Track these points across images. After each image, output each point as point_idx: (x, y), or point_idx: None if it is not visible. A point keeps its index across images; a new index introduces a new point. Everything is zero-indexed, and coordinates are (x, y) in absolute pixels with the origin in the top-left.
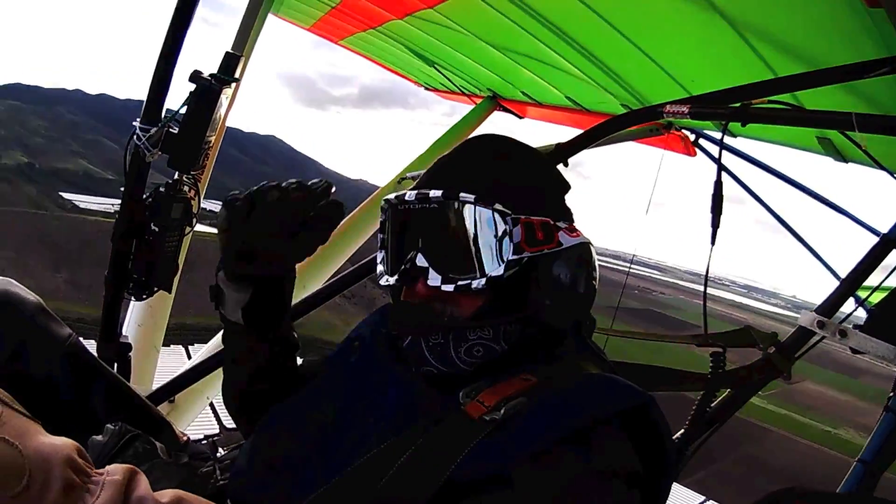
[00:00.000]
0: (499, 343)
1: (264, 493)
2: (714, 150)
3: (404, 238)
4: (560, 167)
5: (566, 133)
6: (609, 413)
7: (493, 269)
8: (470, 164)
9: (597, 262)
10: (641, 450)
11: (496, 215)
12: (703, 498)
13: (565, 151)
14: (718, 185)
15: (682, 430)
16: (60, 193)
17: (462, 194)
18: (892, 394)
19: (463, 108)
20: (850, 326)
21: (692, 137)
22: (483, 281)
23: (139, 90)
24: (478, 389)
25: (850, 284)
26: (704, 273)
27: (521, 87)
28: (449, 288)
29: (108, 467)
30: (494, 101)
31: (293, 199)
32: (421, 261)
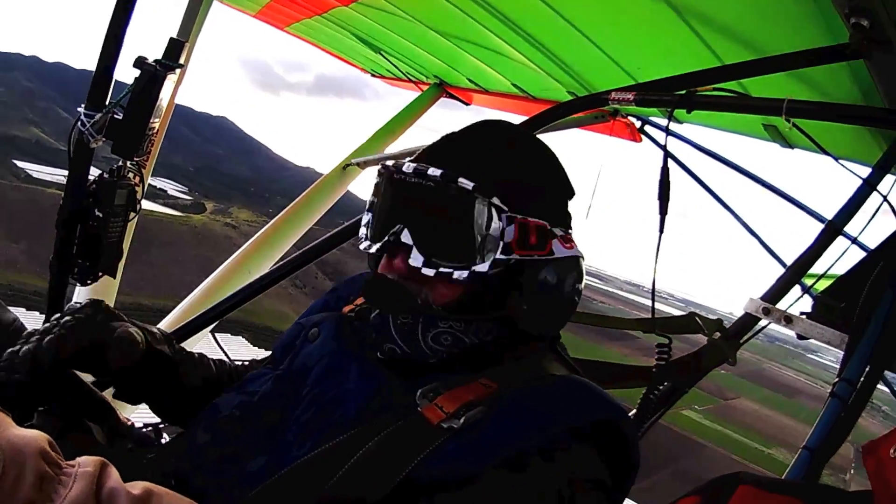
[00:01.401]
0: (468, 336)
1: (211, 482)
2: (659, 136)
3: (394, 209)
4: None
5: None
6: (579, 422)
7: (479, 264)
8: (477, 149)
9: (584, 278)
10: (609, 460)
11: (493, 210)
12: None
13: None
14: (665, 171)
15: (631, 415)
16: (14, 161)
17: (461, 179)
18: (837, 379)
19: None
20: (797, 313)
21: (638, 124)
22: (466, 274)
23: (94, 62)
24: (436, 391)
25: (796, 271)
26: (651, 274)
27: (467, 74)
28: (429, 272)
29: (79, 459)
30: (441, 88)
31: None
32: (406, 237)
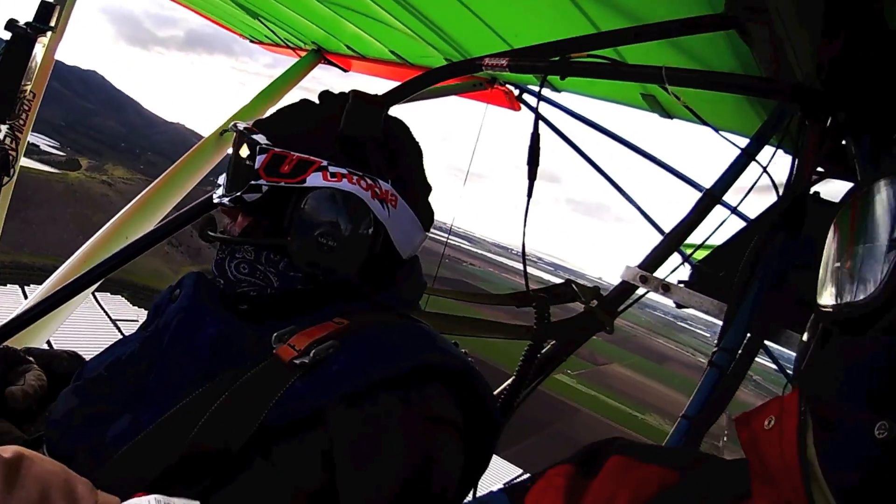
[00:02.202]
0: (261, 265)
1: (79, 445)
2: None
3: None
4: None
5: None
6: (425, 362)
7: (235, 189)
8: (290, 106)
9: (360, 217)
10: (464, 408)
11: (252, 144)
12: (520, 471)
13: (382, 103)
14: (535, 136)
15: (509, 382)
16: None
17: (240, 123)
18: (716, 349)
19: (288, 61)
20: (675, 281)
21: (516, 92)
22: (227, 199)
23: None
24: (291, 333)
25: (674, 240)
26: (522, 232)
27: (346, 41)
28: (216, 200)
29: None
30: (319, 55)
31: None
32: (221, 178)
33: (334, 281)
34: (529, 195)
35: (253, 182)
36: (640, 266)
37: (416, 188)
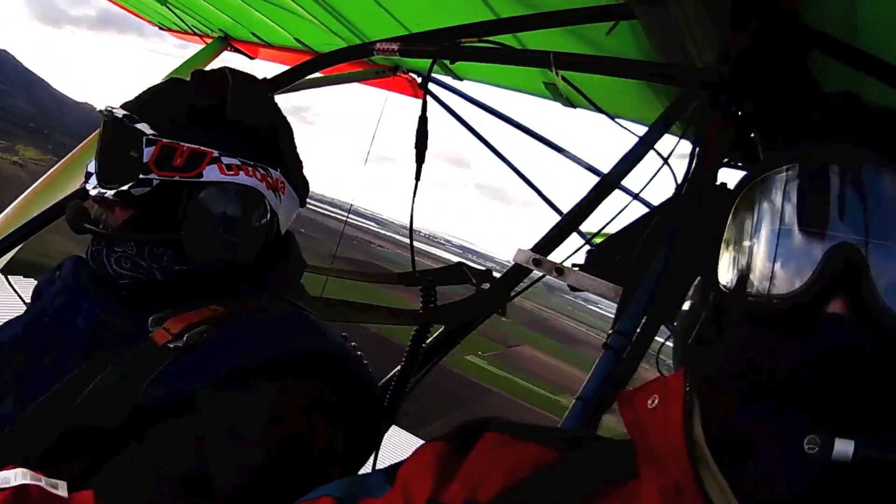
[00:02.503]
0: (145, 260)
1: None
2: (439, 91)
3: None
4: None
5: None
6: (299, 350)
7: (118, 183)
8: (163, 87)
9: (268, 211)
10: (343, 394)
11: (138, 134)
12: None
13: (269, 88)
14: (423, 120)
15: (399, 368)
16: None
17: (118, 109)
18: (611, 331)
19: (197, 46)
20: (569, 265)
21: (419, 80)
22: (110, 193)
23: None
24: (166, 317)
25: (568, 224)
26: (410, 213)
27: (252, 28)
28: (94, 193)
29: None
30: (225, 42)
31: None
32: (91, 167)
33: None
34: (417, 177)
35: (143, 176)
36: (533, 249)
37: (295, 168)
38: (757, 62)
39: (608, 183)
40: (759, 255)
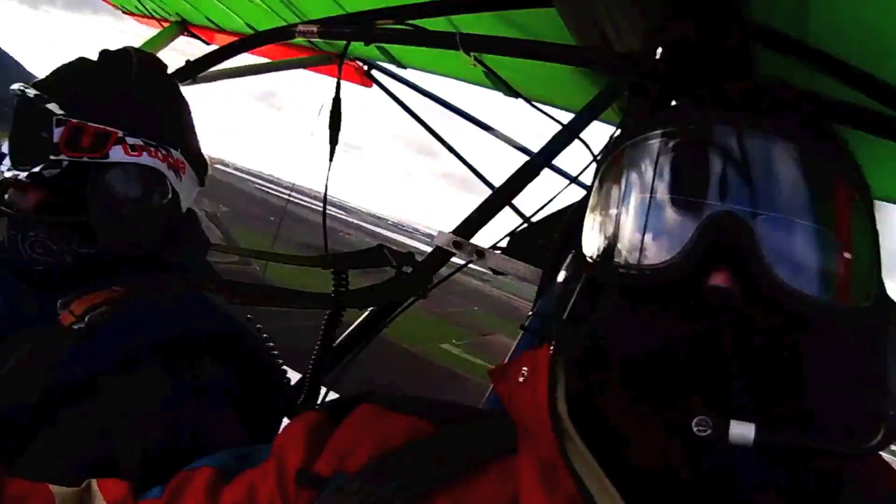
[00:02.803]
0: (56, 243)
1: None
2: (386, 80)
3: None
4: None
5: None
6: (196, 332)
7: (30, 164)
8: (72, 66)
9: (159, 190)
10: (241, 373)
11: (47, 114)
12: None
13: (192, 70)
14: (337, 101)
15: (314, 356)
16: None
17: (29, 89)
18: (530, 313)
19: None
20: (489, 248)
21: (366, 68)
22: (22, 175)
23: None
24: (73, 299)
25: (488, 207)
26: (324, 192)
27: (207, 13)
28: (8, 175)
29: None
30: (182, 27)
31: None
32: (4, 147)
33: (123, 250)
34: (331, 158)
35: (53, 157)
36: (454, 232)
37: (195, 147)
38: (692, 52)
39: (532, 167)
40: (632, 223)
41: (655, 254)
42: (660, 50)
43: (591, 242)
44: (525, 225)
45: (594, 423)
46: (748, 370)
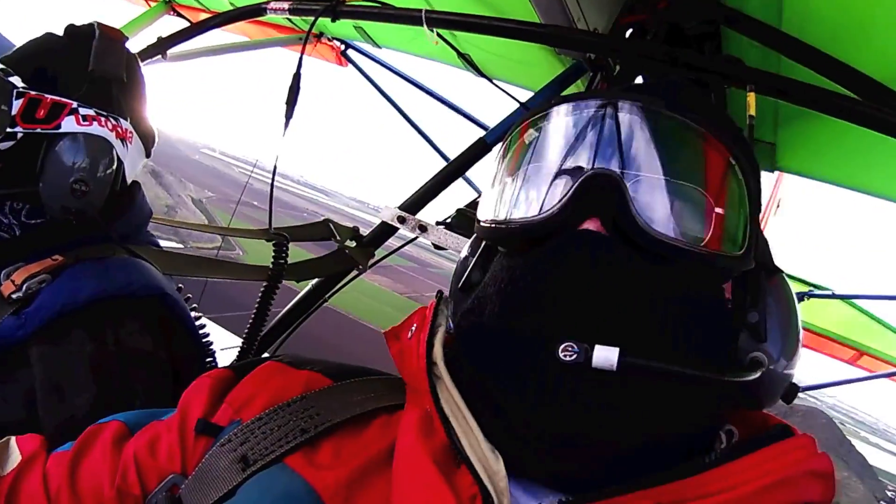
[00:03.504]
0: (6, 216)
1: None
2: (362, 60)
3: None
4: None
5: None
6: (122, 294)
7: None
8: (38, 41)
9: (105, 160)
10: (167, 336)
11: (8, 88)
12: None
13: (163, 46)
14: (297, 77)
15: (249, 324)
16: None
17: None
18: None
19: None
20: (432, 223)
21: (342, 48)
22: None
23: None
24: (16, 269)
25: (439, 182)
26: (273, 169)
27: None
28: None
29: None
30: (168, 5)
31: None
32: None
33: (69, 219)
34: (285, 131)
35: (10, 129)
36: (400, 207)
37: (144, 117)
38: (657, 33)
39: (484, 144)
40: (516, 187)
41: (533, 209)
42: (629, 31)
43: (486, 207)
44: (474, 200)
45: (468, 367)
46: (612, 302)
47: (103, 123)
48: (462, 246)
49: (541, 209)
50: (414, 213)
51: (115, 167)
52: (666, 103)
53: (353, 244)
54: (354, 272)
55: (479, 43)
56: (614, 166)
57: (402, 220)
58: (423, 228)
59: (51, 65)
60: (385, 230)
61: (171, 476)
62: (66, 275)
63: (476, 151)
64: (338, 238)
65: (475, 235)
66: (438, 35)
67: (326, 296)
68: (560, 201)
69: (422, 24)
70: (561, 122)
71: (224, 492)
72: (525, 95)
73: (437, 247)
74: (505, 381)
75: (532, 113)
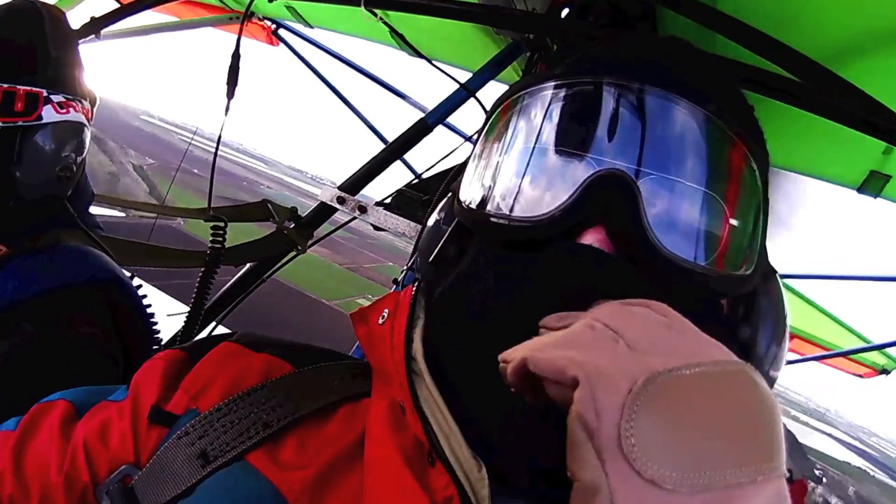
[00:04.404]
0: None
1: None
2: (293, 40)
3: None
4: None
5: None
6: (72, 282)
7: None
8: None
9: (83, 144)
10: (118, 321)
11: None
12: None
13: (96, 25)
14: (236, 55)
15: (189, 307)
16: None
17: None
18: (404, 268)
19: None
20: (372, 203)
21: (273, 27)
22: None
23: None
24: None
25: (379, 163)
26: (215, 149)
27: None
28: None
29: None
30: None
31: None
32: None
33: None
34: (226, 112)
35: None
36: (340, 187)
37: (90, 90)
38: (597, 13)
39: (425, 125)
40: (508, 171)
41: (532, 206)
42: (565, 11)
43: (469, 188)
44: (414, 181)
45: (446, 365)
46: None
47: (78, 109)
48: (400, 227)
49: (537, 209)
50: (353, 194)
51: (87, 150)
52: (706, 98)
53: (292, 225)
54: (293, 252)
55: (414, 22)
56: (629, 165)
57: (341, 200)
58: (362, 210)
59: (11, 53)
60: (324, 210)
61: (124, 467)
62: (14, 265)
63: (416, 132)
64: (276, 219)
65: (447, 200)
66: (372, 13)
67: (265, 276)
68: (560, 206)
69: (360, 5)
70: (565, 99)
71: (182, 489)
72: (464, 76)
73: (376, 228)
74: (478, 398)
75: (534, 81)
